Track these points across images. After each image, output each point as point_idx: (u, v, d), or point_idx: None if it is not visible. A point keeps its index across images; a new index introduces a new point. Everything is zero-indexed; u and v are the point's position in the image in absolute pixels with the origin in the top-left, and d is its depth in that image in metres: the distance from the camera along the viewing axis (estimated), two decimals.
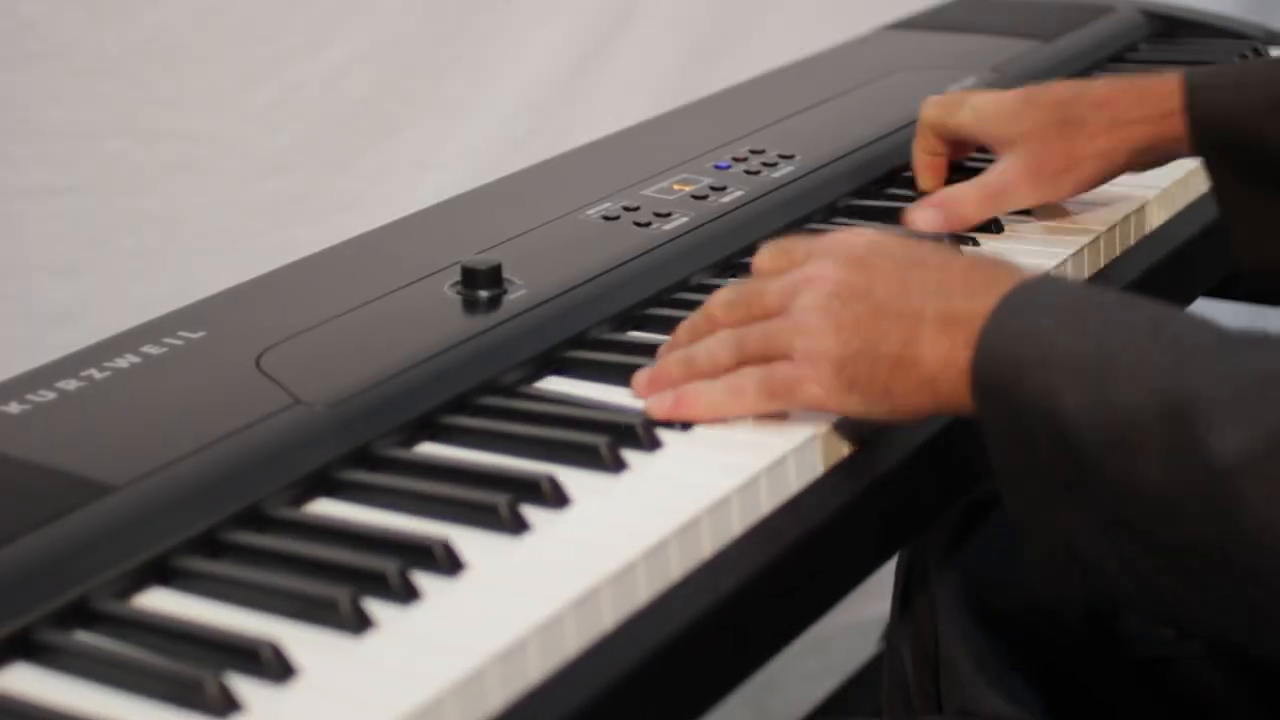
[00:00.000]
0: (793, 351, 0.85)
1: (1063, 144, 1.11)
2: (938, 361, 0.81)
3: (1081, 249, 1.09)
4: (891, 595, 1.21)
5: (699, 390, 0.87)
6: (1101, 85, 1.14)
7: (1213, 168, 1.10)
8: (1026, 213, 1.14)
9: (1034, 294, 0.80)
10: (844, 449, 0.87)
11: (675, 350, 0.91)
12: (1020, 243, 1.10)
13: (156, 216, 1.73)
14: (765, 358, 0.86)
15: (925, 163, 1.18)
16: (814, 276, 0.86)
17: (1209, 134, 1.09)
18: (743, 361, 0.87)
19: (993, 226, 1.12)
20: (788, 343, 0.85)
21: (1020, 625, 1.10)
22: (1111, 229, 1.12)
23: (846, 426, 0.87)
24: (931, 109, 1.18)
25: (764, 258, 0.92)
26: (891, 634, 1.22)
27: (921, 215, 1.11)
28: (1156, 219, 1.18)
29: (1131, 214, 1.15)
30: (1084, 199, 1.14)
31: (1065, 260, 1.07)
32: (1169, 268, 1.12)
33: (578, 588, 0.72)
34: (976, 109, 1.14)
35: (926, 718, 1.15)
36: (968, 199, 1.11)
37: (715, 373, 0.88)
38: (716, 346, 0.88)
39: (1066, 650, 1.09)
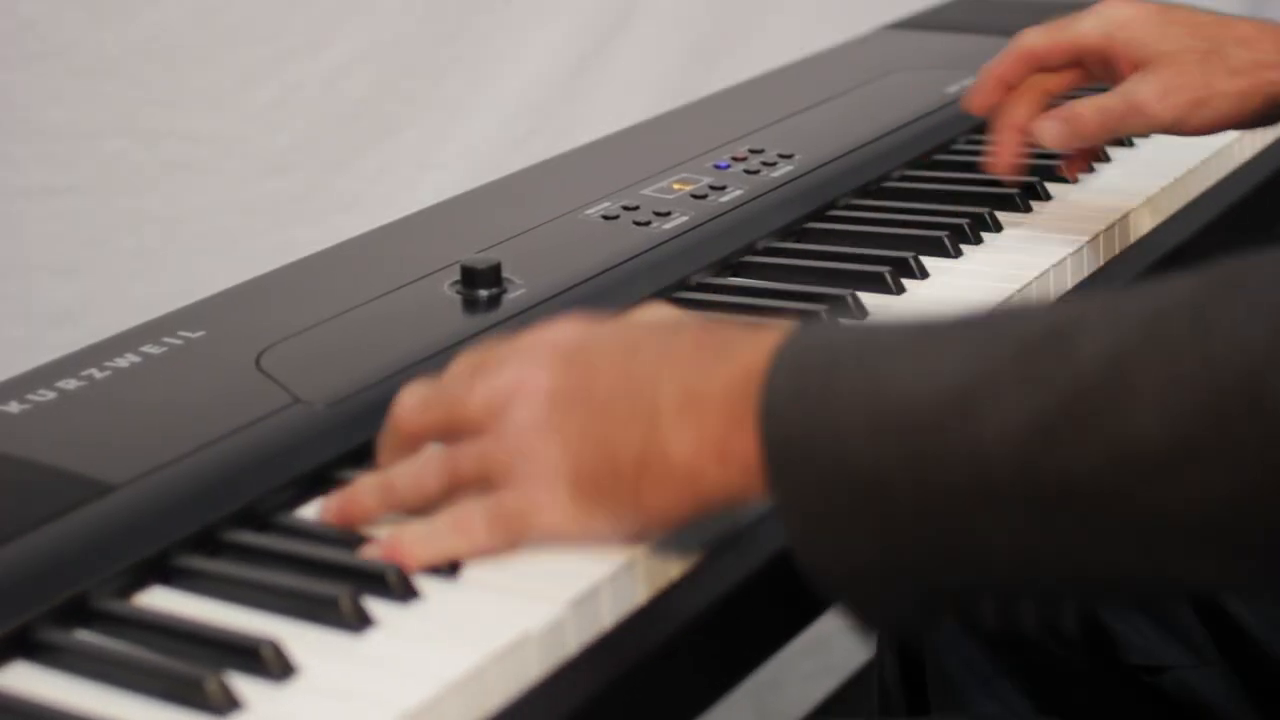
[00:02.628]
0: (514, 476, 0.73)
1: (1202, 74, 1.02)
2: (689, 449, 0.70)
3: (1064, 259, 1.06)
4: None
5: (415, 535, 0.74)
6: (1246, 23, 1.06)
7: None
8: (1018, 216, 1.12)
9: (810, 329, 0.70)
10: None
11: (370, 476, 0.78)
12: (1009, 252, 1.08)
13: (156, 216, 1.73)
14: (482, 483, 0.74)
15: (989, 83, 1.09)
16: (522, 384, 0.74)
17: None
18: (452, 488, 0.75)
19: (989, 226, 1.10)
20: (509, 467, 0.73)
21: (1011, 631, 1.09)
22: (1095, 238, 1.09)
23: None
24: (1034, 31, 1.08)
25: (455, 369, 0.79)
26: (880, 638, 1.21)
27: (1045, 128, 1.04)
28: (1145, 225, 1.16)
29: (1116, 222, 1.12)
30: (1070, 204, 1.13)
31: (1064, 260, 1.07)
32: (1172, 266, 1.12)
33: (578, 586, 0.72)
34: (1100, 22, 1.05)
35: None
36: (1095, 113, 1.03)
37: (420, 503, 0.76)
38: (421, 472, 0.76)
39: (1057, 656, 1.08)
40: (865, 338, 0.69)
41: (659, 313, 0.80)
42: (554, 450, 0.73)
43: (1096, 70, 1.09)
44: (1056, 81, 1.10)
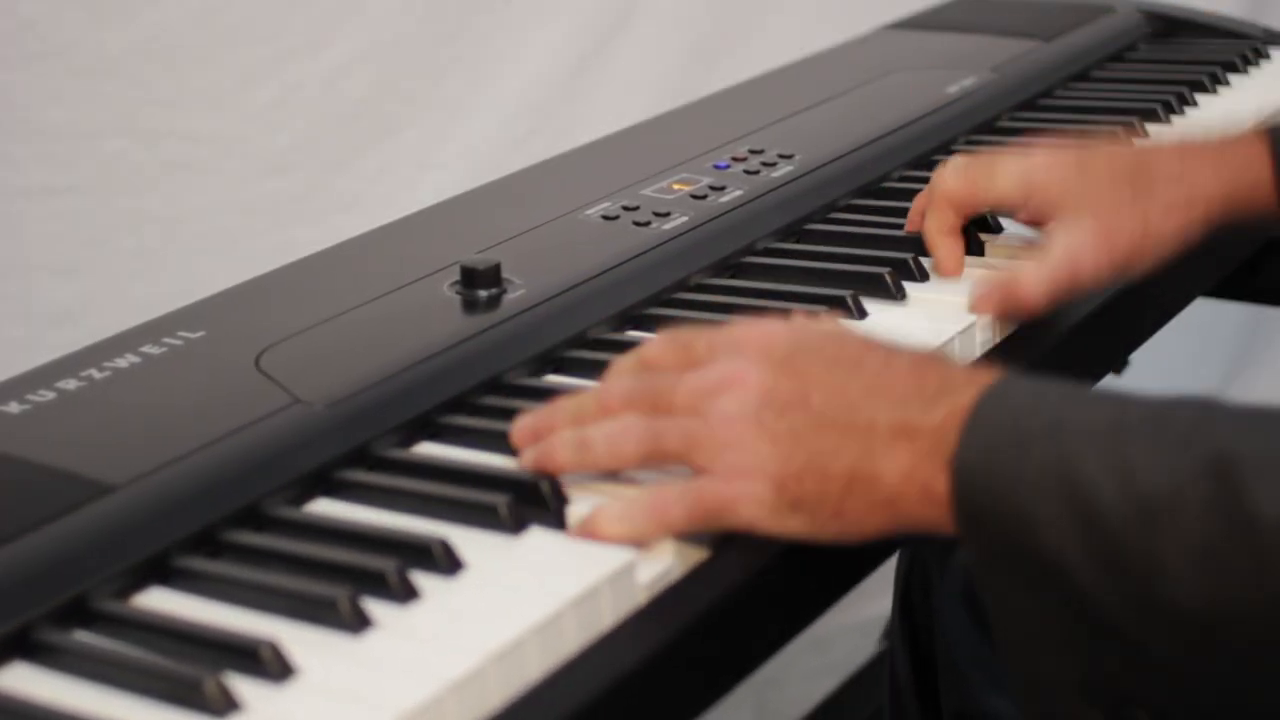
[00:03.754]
0: (719, 464, 0.75)
1: (1136, 218, 0.96)
2: (898, 478, 0.73)
3: None
4: (892, 596, 1.21)
5: (612, 514, 0.76)
6: (1171, 154, 1.00)
7: None
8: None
9: (1015, 385, 0.73)
10: None
11: (551, 430, 0.81)
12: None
13: (156, 216, 1.73)
14: (682, 460, 0.77)
15: (946, 244, 1.02)
16: (734, 380, 0.77)
17: None
18: (649, 458, 0.78)
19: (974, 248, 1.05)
20: (713, 453, 0.76)
21: None
22: None
23: None
24: (955, 179, 1.01)
25: (657, 350, 0.82)
26: (892, 635, 1.21)
27: (982, 305, 0.96)
28: None
29: None
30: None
31: None
32: (1170, 267, 1.12)
33: (578, 586, 0.72)
34: (1020, 176, 0.99)
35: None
36: (1036, 283, 0.95)
37: (615, 466, 0.79)
38: (620, 434, 0.78)
39: None
40: (1061, 414, 0.71)
41: (855, 329, 0.83)
42: (764, 447, 0.75)
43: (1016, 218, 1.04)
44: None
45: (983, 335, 0.97)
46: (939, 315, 0.97)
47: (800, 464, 0.75)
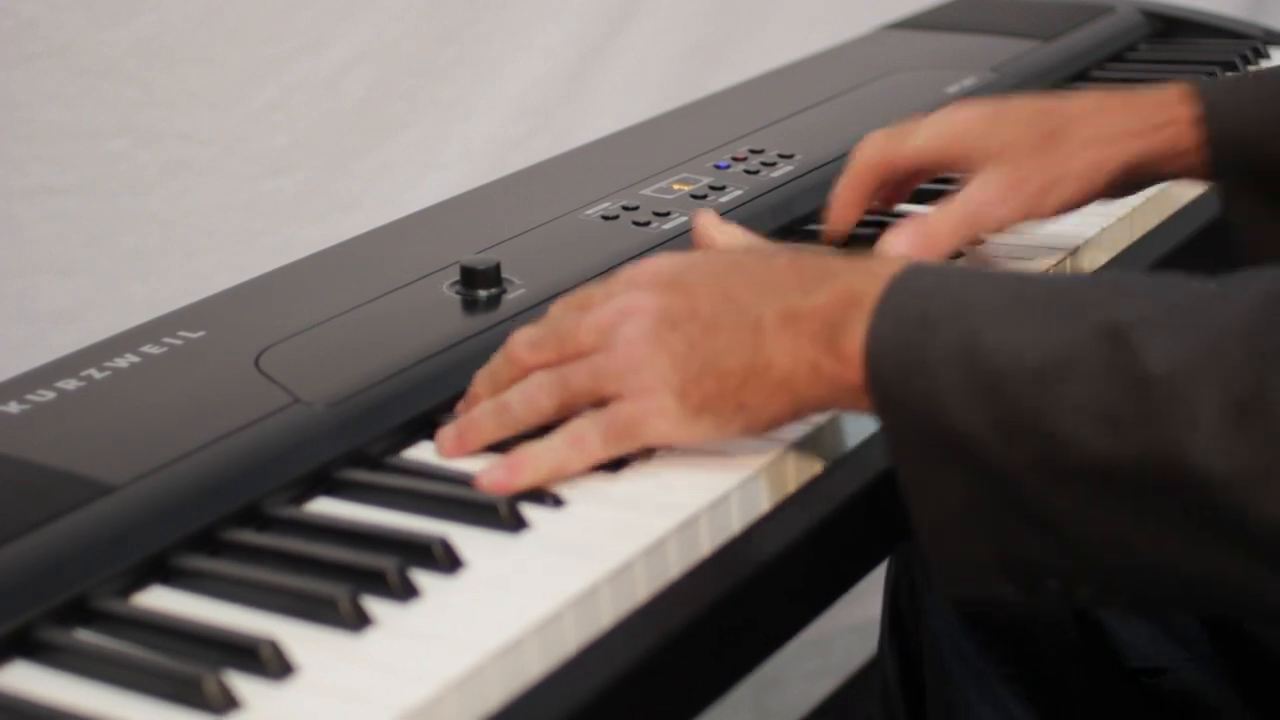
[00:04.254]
0: (625, 389, 0.80)
1: (1042, 158, 1.00)
2: (789, 359, 0.78)
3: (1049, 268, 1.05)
4: (881, 602, 1.21)
5: (532, 452, 0.80)
6: (1089, 97, 1.04)
7: (1230, 189, 1.02)
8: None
9: (922, 269, 0.77)
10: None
11: (476, 402, 0.85)
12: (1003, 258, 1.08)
13: (156, 216, 1.73)
14: (593, 397, 0.81)
15: (843, 213, 1.06)
16: (629, 307, 0.81)
17: (1226, 150, 1.00)
18: (566, 404, 0.82)
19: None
20: (619, 379, 0.80)
21: (1009, 633, 1.09)
22: (1060, 261, 1.06)
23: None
24: (873, 139, 1.05)
25: (559, 306, 0.86)
26: (881, 643, 1.21)
27: (893, 242, 0.99)
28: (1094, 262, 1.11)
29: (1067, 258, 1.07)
30: (1022, 242, 1.10)
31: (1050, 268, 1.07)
32: (1170, 266, 1.12)
33: (577, 585, 0.72)
34: (935, 129, 1.03)
35: None
36: (944, 223, 1.00)
37: (535, 420, 0.82)
38: (534, 391, 0.82)
39: (1056, 659, 1.08)
40: (963, 295, 0.74)
41: (746, 240, 0.92)
42: (663, 362, 0.79)
43: (940, 173, 1.07)
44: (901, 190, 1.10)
45: None
46: None
47: (697, 368, 0.79)
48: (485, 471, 0.80)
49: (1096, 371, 0.69)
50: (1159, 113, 1.02)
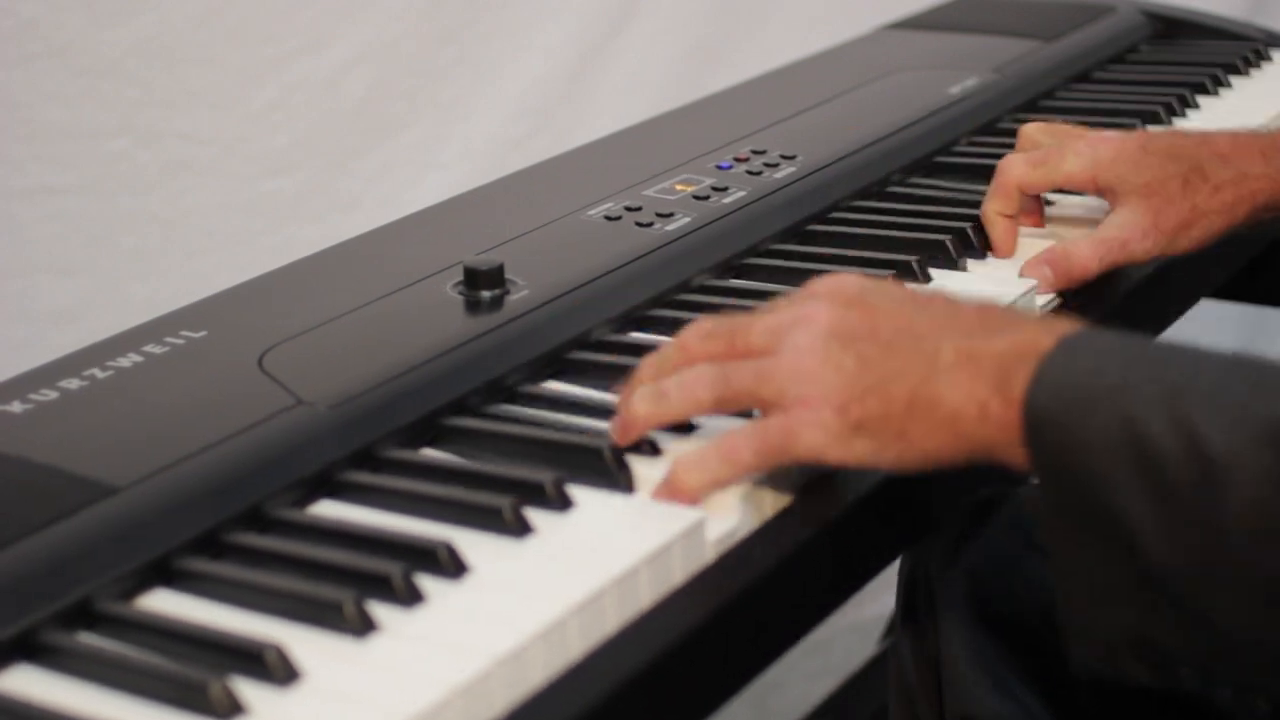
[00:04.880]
0: (786, 397, 0.79)
1: (1185, 198, 1.04)
2: (960, 399, 0.76)
3: None
4: (895, 599, 1.21)
5: (688, 465, 0.80)
6: (1224, 138, 1.08)
7: None
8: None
9: (1091, 335, 0.76)
10: None
11: (643, 382, 0.84)
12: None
13: (156, 216, 1.73)
14: (752, 399, 0.80)
15: (1004, 225, 1.09)
16: (806, 316, 0.80)
17: None
18: (724, 401, 0.81)
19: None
20: (780, 387, 0.79)
21: (1022, 629, 1.09)
22: None
23: None
24: (1022, 168, 1.08)
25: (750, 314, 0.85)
26: (895, 638, 1.21)
27: (1035, 273, 1.03)
28: None
29: None
30: (1071, 206, 1.13)
31: None
32: (1174, 269, 1.12)
33: (581, 590, 0.72)
34: (1090, 157, 1.06)
35: None
36: (1087, 255, 1.03)
37: (689, 411, 0.82)
38: (694, 381, 0.81)
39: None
40: (1127, 372, 0.73)
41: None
42: (829, 375, 0.78)
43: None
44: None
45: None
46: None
47: (864, 387, 0.78)
48: (655, 491, 0.80)
49: (1260, 479, 0.67)
50: None
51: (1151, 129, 1.09)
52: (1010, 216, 1.09)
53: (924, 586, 1.16)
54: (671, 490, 0.80)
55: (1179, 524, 0.69)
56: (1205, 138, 1.08)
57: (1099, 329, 0.77)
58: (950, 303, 0.81)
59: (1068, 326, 0.77)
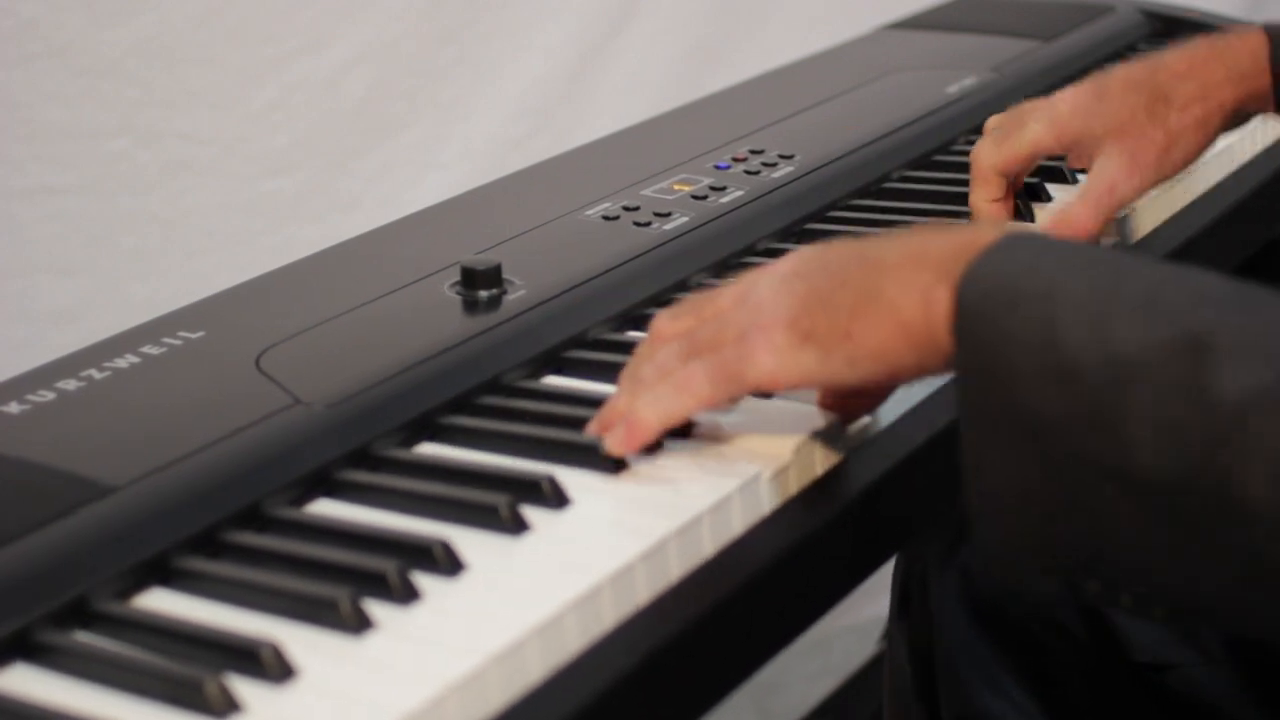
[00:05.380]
0: (743, 329, 0.80)
1: (1155, 125, 1.06)
2: (902, 291, 0.77)
3: None
4: (890, 598, 1.21)
5: (644, 403, 0.82)
6: (1178, 56, 1.09)
7: None
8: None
9: (1031, 238, 0.77)
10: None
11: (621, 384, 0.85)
12: None
13: (156, 216, 1.73)
14: (718, 347, 0.81)
15: (993, 210, 1.10)
16: (767, 268, 0.83)
17: None
18: (692, 355, 0.82)
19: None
20: (739, 326, 0.81)
21: (1015, 628, 1.09)
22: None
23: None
24: (989, 147, 1.10)
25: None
26: (890, 637, 1.21)
27: None
28: (1147, 225, 1.17)
29: (1118, 221, 1.13)
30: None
31: None
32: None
33: (578, 587, 0.72)
34: (1049, 117, 1.08)
35: None
36: (1082, 214, 1.06)
37: (666, 382, 0.82)
38: (665, 358, 0.83)
39: (1064, 654, 1.08)
40: (1056, 279, 0.73)
41: None
42: (781, 301, 0.80)
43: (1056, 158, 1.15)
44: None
45: None
46: None
47: (813, 301, 0.79)
48: (610, 437, 0.82)
49: (1170, 383, 0.68)
50: (1246, 60, 1.08)
51: (1108, 72, 1.10)
52: (997, 201, 1.10)
53: (919, 585, 1.17)
54: (630, 427, 0.81)
55: (1089, 424, 0.69)
56: (1159, 62, 1.09)
57: (1030, 236, 0.78)
58: (901, 234, 0.82)
59: (1016, 227, 0.77)
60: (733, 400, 0.83)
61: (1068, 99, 1.08)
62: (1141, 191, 1.07)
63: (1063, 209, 1.07)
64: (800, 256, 0.83)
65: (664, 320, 0.85)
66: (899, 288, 0.77)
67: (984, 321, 0.73)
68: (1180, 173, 1.09)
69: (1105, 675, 1.07)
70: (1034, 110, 1.09)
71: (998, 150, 1.09)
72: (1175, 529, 0.69)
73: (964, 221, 0.79)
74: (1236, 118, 1.10)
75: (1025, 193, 1.14)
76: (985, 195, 1.10)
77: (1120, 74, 1.09)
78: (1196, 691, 1.04)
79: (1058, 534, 0.72)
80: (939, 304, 0.75)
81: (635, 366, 0.85)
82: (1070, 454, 0.70)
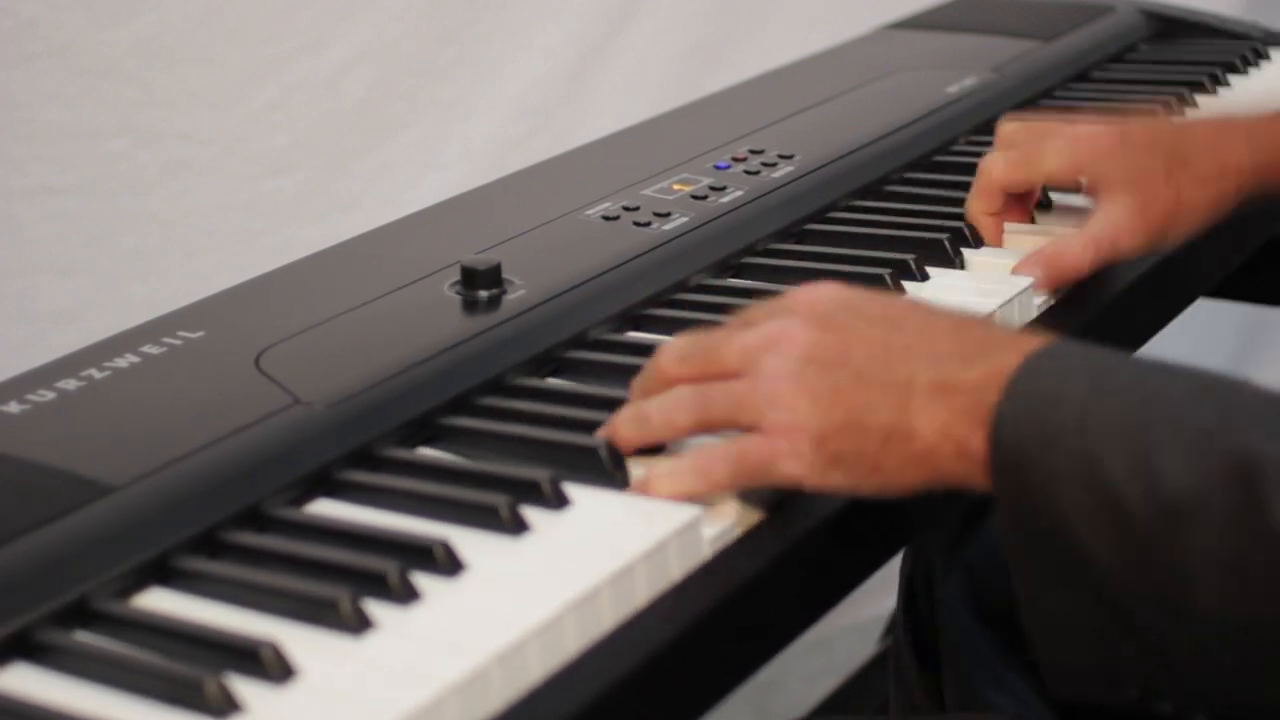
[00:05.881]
0: (763, 422, 0.78)
1: (1169, 189, 1.03)
2: (934, 434, 0.76)
3: None
4: (896, 594, 1.22)
5: (661, 473, 0.80)
6: (1206, 126, 1.07)
7: None
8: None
9: (1055, 358, 0.75)
10: None
11: (631, 400, 0.85)
12: (1008, 256, 1.07)
13: (156, 216, 1.73)
14: (730, 423, 0.80)
15: (990, 224, 1.09)
16: (780, 337, 0.79)
17: None
18: (703, 425, 0.81)
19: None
20: (758, 412, 0.78)
21: (1020, 625, 1.10)
22: None
23: None
24: (1003, 168, 1.07)
25: (724, 325, 0.85)
26: (896, 632, 1.22)
27: (1029, 271, 1.02)
28: None
29: None
30: (1069, 213, 1.12)
31: None
32: (1171, 267, 1.12)
33: (577, 588, 0.72)
34: (1070, 155, 1.05)
35: (930, 715, 1.16)
36: (1080, 254, 1.02)
37: (670, 435, 0.82)
38: (674, 406, 0.81)
39: None
40: (1088, 407, 0.72)
41: (913, 296, 0.90)
42: (804, 404, 0.77)
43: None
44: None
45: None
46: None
47: (839, 420, 0.77)
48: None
49: (1225, 518, 0.67)
50: (1271, 144, 1.05)
51: (1134, 120, 1.08)
52: (995, 214, 1.09)
53: (924, 583, 1.17)
54: (645, 493, 0.80)
55: (1142, 563, 0.69)
56: (1186, 126, 1.07)
57: (1068, 344, 0.76)
58: (926, 319, 0.80)
59: (1037, 344, 0.76)
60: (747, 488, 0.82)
61: (1089, 139, 1.05)
62: (1141, 251, 1.04)
63: (1059, 241, 1.03)
64: (816, 328, 0.79)
65: (669, 358, 0.83)
66: (930, 429, 0.76)
67: (1024, 466, 0.72)
68: (1180, 242, 1.06)
69: None
70: (1054, 138, 1.06)
71: (1010, 172, 1.07)
72: (1244, 658, 0.68)
73: (989, 329, 0.78)
74: (1258, 200, 1.06)
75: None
76: (985, 208, 1.08)
77: (1145, 127, 1.06)
78: (1142, 704, 1.05)
79: (1120, 663, 0.72)
80: (974, 448, 0.74)
81: (639, 392, 0.84)
82: (1129, 592, 0.70)
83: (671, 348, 0.83)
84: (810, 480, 0.78)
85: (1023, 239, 1.09)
